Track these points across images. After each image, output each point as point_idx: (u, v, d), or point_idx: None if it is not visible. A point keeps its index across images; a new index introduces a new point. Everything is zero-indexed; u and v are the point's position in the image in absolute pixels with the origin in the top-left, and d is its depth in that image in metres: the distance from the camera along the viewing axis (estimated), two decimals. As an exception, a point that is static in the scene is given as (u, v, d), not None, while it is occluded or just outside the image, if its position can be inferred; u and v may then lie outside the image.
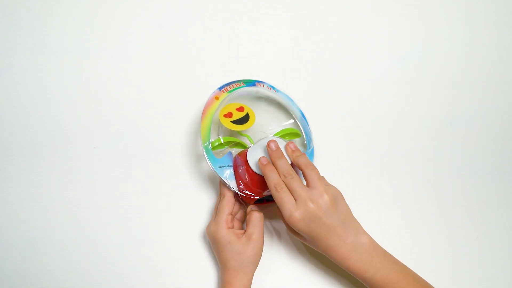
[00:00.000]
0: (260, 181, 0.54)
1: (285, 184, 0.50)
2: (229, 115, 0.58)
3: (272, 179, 0.50)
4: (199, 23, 0.68)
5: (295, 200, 0.49)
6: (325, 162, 0.63)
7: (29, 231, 0.58)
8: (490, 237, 0.63)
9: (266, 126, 0.61)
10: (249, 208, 0.56)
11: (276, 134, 0.59)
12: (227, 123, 0.56)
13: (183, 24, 0.68)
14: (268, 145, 0.54)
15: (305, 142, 0.60)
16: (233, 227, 0.54)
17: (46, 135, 0.62)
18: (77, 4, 0.68)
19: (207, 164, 0.57)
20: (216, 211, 0.56)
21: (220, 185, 0.57)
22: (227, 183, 0.54)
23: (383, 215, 0.63)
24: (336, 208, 0.49)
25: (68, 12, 0.67)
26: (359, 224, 0.51)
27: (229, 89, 0.59)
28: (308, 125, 0.61)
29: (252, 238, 0.53)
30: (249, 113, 0.58)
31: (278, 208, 0.51)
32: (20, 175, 0.60)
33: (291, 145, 0.55)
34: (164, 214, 0.59)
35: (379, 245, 0.51)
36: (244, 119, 0.57)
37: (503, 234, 0.64)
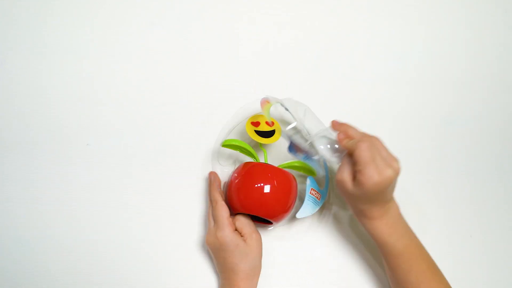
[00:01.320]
0: (252, 197, 0.53)
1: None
2: (256, 124, 0.56)
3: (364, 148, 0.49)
4: (199, 23, 0.68)
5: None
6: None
7: (28, 230, 0.58)
8: (488, 236, 0.63)
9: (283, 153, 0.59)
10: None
11: (285, 165, 0.57)
12: (250, 131, 0.55)
13: (182, 24, 0.68)
14: (334, 126, 0.54)
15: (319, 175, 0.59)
16: (235, 230, 0.54)
17: (45, 135, 0.61)
18: (75, 4, 0.68)
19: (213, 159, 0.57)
20: (212, 218, 0.55)
21: (210, 193, 0.57)
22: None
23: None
24: None
25: (67, 12, 0.67)
26: None
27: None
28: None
29: (253, 237, 0.53)
30: (276, 130, 0.56)
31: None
32: (19, 174, 0.60)
33: (341, 135, 0.53)
34: (163, 214, 0.60)
35: (403, 216, 0.53)
36: (269, 134, 0.55)
37: (502, 234, 0.64)
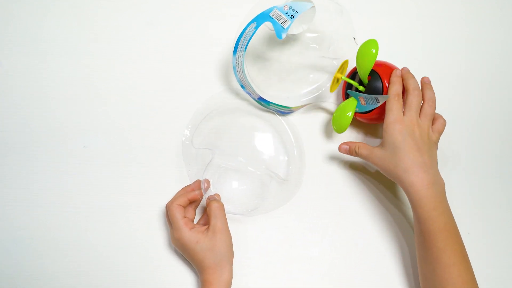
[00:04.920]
0: None
1: (407, 96, 0.55)
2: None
3: (397, 88, 0.56)
4: (196, 22, 0.68)
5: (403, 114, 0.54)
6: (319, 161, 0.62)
7: (26, 231, 0.58)
8: (486, 233, 0.63)
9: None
10: (207, 200, 0.55)
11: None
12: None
13: (178, 23, 0.68)
14: (402, 69, 0.59)
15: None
16: (194, 227, 0.54)
17: (42, 136, 0.61)
18: (74, 4, 0.67)
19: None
20: (169, 222, 0.55)
21: (167, 212, 0.56)
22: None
23: (383, 214, 0.63)
24: (430, 140, 0.55)
25: (64, 13, 0.67)
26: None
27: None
28: None
29: (217, 229, 0.53)
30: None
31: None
32: (17, 174, 0.60)
33: (399, 71, 0.58)
34: (158, 212, 0.60)
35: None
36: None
37: (500, 231, 0.64)
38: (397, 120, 0.53)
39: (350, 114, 0.58)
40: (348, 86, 0.63)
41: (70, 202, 0.59)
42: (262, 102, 0.62)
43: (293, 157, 0.62)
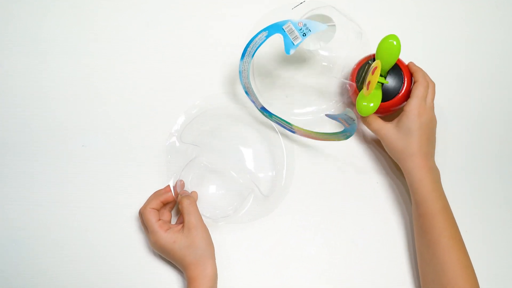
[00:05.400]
0: None
1: (429, 88, 0.58)
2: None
3: (423, 74, 0.58)
4: (196, 22, 0.68)
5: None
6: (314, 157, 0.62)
7: (24, 231, 0.58)
8: (484, 231, 0.63)
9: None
10: (179, 198, 0.55)
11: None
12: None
13: (178, 23, 0.68)
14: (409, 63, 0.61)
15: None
16: (169, 228, 0.54)
17: (42, 135, 0.62)
18: (74, 4, 0.67)
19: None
20: (144, 227, 0.55)
21: (141, 217, 0.56)
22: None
23: (383, 214, 0.63)
24: (435, 129, 0.58)
25: (64, 13, 0.67)
26: None
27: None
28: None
29: (191, 225, 0.53)
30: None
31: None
32: (16, 174, 0.60)
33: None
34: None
35: None
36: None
37: (498, 229, 0.64)
38: (420, 108, 0.55)
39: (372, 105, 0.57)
40: (358, 78, 0.61)
41: (69, 202, 0.59)
42: (265, 112, 0.61)
43: (280, 175, 0.60)
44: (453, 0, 0.74)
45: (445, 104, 0.68)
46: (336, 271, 0.59)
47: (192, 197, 0.56)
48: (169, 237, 0.52)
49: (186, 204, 0.54)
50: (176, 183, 0.57)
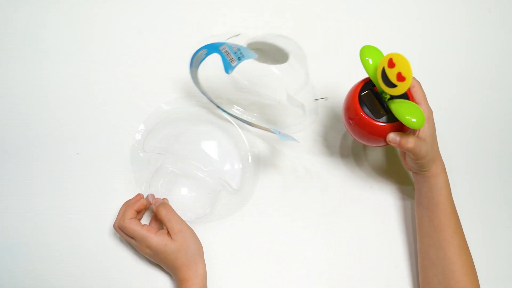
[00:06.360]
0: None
1: (419, 89, 0.54)
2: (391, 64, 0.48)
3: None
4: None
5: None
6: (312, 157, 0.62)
7: (21, 238, 0.57)
8: (483, 230, 0.63)
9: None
10: (154, 207, 0.55)
11: None
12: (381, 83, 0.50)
13: (178, 23, 0.68)
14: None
15: None
16: (157, 231, 0.54)
17: (41, 136, 0.61)
18: (74, 4, 0.68)
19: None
20: (128, 239, 0.55)
21: (121, 232, 0.55)
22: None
23: (385, 213, 0.63)
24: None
25: (64, 13, 0.67)
26: None
27: None
28: None
29: (176, 231, 0.53)
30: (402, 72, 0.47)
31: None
32: (12, 179, 0.60)
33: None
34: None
35: None
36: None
37: (498, 229, 0.64)
38: (431, 113, 0.54)
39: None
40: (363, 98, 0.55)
41: (63, 207, 0.59)
42: (221, 108, 0.62)
43: (248, 166, 0.61)
44: (453, 1, 0.74)
45: (445, 104, 0.68)
46: (336, 271, 0.59)
47: (167, 203, 0.56)
48: (160, 239, 0.52)
49: (164, 212, 0.54)
50: (148, 196, 0.57)
